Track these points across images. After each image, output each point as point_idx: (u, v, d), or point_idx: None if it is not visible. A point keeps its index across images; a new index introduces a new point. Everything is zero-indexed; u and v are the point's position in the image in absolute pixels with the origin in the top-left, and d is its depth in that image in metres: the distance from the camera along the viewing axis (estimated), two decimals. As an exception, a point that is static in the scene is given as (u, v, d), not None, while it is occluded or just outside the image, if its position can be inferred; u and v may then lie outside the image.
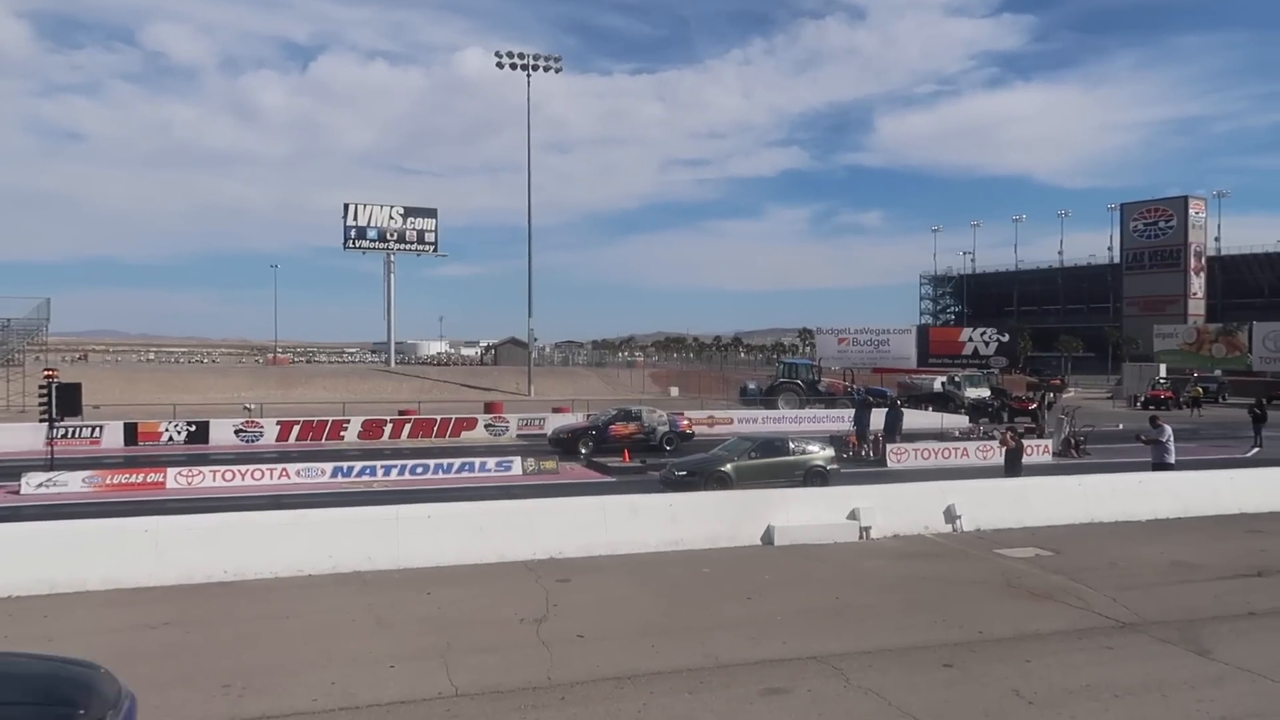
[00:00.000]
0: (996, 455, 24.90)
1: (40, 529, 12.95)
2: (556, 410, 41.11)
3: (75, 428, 30.96)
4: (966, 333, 62.93)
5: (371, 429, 34.73)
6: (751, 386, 54.25)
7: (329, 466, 24.07)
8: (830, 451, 23.51)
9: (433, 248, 78.17)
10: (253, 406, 39.54)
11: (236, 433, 33.45)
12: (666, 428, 31.54)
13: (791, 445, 23.03)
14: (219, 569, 12.32)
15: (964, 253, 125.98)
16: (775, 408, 46.21)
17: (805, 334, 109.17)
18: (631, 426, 30.92)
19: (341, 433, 34.14)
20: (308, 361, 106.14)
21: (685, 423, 33.48)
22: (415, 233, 76.97)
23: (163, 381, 55.09)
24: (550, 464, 26.11)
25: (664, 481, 21.59)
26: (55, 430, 25.33)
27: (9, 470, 23.86)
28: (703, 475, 21.37)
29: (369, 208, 75.63)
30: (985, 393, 48.45)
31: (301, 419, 34.95)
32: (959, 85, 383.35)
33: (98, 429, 32.34)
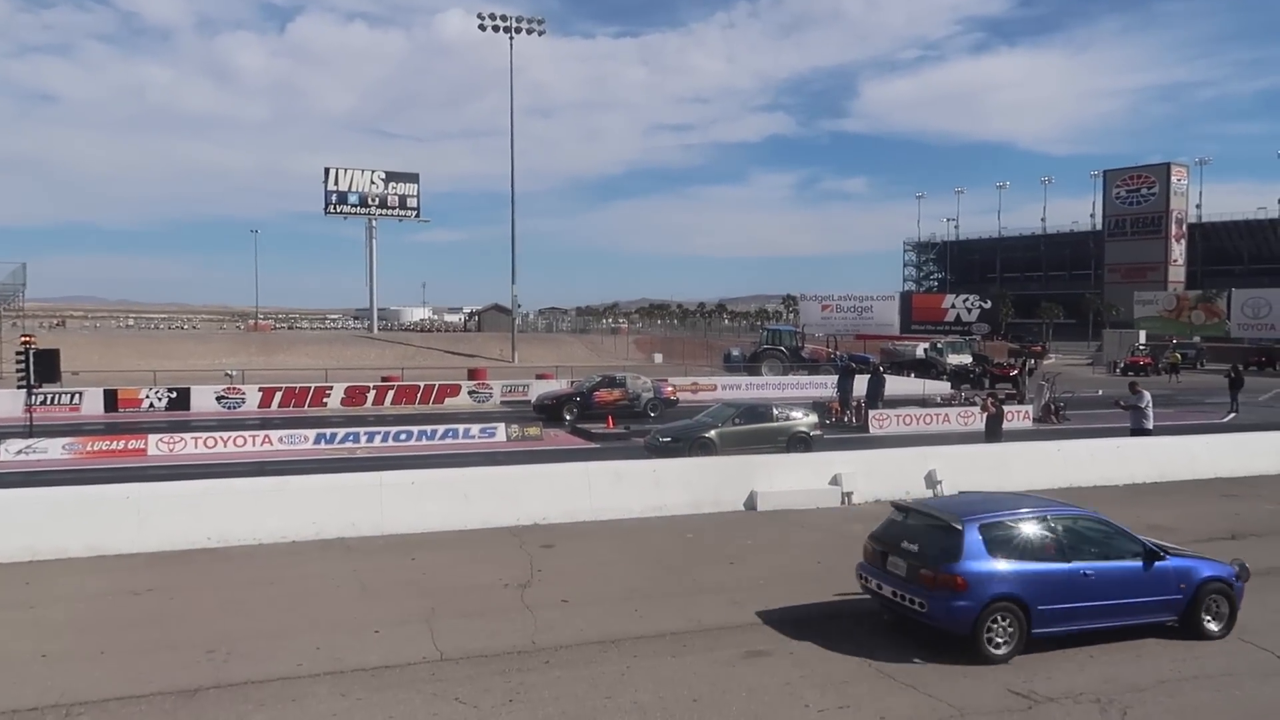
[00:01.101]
0: (978, 421, 25.09)
1: (20, 496, 12.88)
2: (540, 377, 41.02)
3: (54, 394, 30.68)
4: (949, 299, 63.15)
5: (354, 396, 34.60)
6: (735, 353, 54.30)
7: (312, 433, 23.99)
8: (813, 418, 23.50)
9: (415, 213, 77.48)
10: (234, 373, 39.22)
11: (218, 399, 33.23)
12: (651, 394, 31.58)
13: (775, 411, 23.07)
14: (202, 536, 12.31)
15: (947, 219, 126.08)
16: (759, 374, 46.26)
17: (789, 301, 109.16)
18: (616, 393, 30.92)
19: (324, 399, 33.98)
20: (289, 328, 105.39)
21: (670, 389, 33.48)
22: (397, 198, 76.23)
23: (143, 348, 54.60)
24: (534, 430, 26.11)
25: (648, 448, 21.66)
26: (34, 397, 25.11)
27: (-12, 437, 23.65)
28: (687, 441, 21.38)
29: (350, 172, 74.81)
30: (967, 359, 48.70)
31: (284, 386, 34.73)
32: (944, 51, 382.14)
33: (77, 395, 32.06)
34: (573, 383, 34.87)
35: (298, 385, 34.88)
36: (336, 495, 13.46)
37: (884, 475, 16.10)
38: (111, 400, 32.23)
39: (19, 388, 24.81)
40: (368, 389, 35.30)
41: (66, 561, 11.58)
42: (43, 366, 24.05)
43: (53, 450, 21.93)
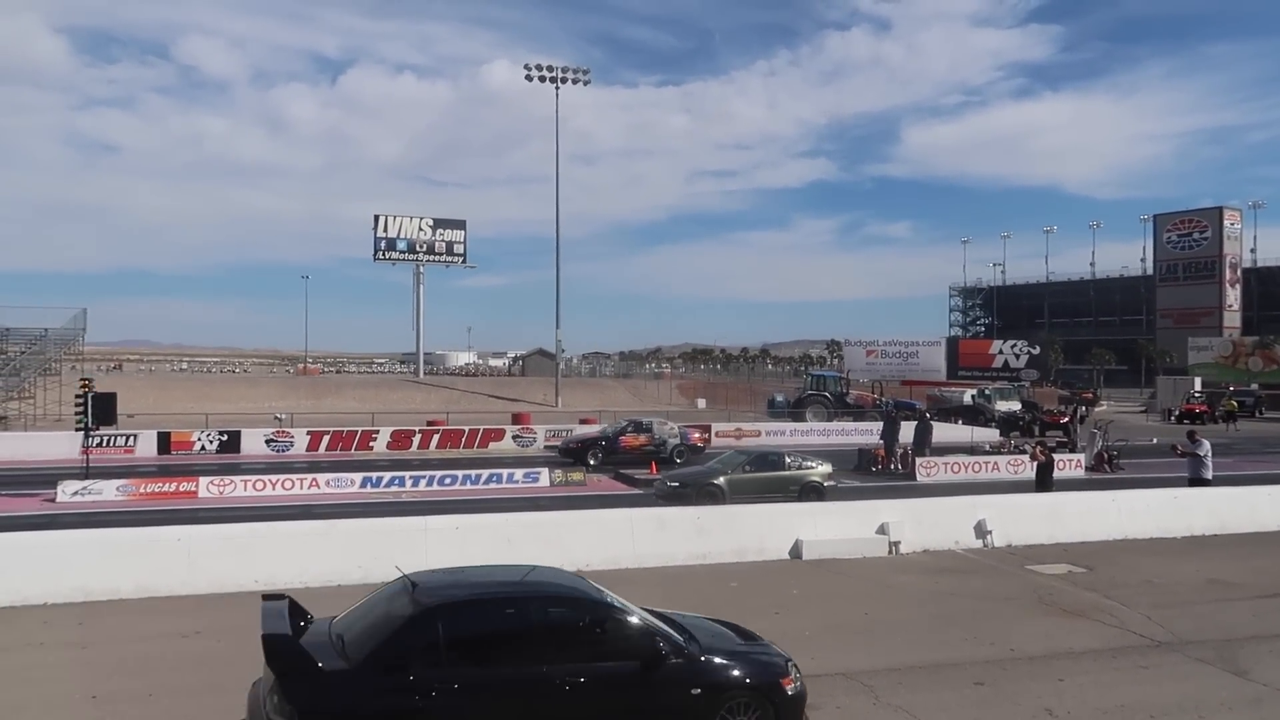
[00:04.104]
0: (1028, 470, 24.60)
1: (75, 537, 13.15)
2: (584, 422, 41.14)
3: (110, 436, 31.38)
4: (997, 345, 62.26)
5: (400, 439, 34.96)
6: (779, 399, 54.00)
7: (358, 477, 24.25)
8: (827, 468, 22.78)
9: (461, 259, 78.60)
10: (283, 416, 39.89)
11: (267, 442, 33.77)
12: (677, 440, 31.42)
13: (788, 459, 22.63)
14: (250, 578, 12.42)
15: (994, 264, 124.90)
16: (803, 420, 45.95)
17: (833, 346, 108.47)
18: (642, 438, 30.85)
19: (371, 443, 34.39)
20: (337, 372, 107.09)
21: (696, 435, 33.35)
22: (444, 244, 77.43)
23: (195, 391, 55.83)
24: (578, 476, 26.12)
25: (657, 494, 21.41)
26: (91, 439, 25.69)
27: (46, 478, 24.21)
28: (694, 488, 20.98)
29: (399, 219, 76.23)
30: (1016, 406, 47.94)
31: (331, 429, 35.24)
32: (986, 96, 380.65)
33: (132, 438, 32.79)
34: (601, 428, 34.96)
35: (345, 429, 35.35)
36: (382, 539, 13.55)
37: (932, 524, 15.83)
38: (165, 443, 32.90)
39: (77, 430, 25.41)
40: (413, 433, 35.66)
41: (118, 602, 11.75)
42: (100, 409, 24.64)
43: (107, 492, 22.38)
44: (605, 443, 30.66)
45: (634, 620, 7.27)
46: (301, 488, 23.60)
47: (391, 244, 75.80)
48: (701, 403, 63.18)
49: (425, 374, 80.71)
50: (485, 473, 25.45)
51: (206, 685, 8.81)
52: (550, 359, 74.11)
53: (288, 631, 6.90)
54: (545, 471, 25.73)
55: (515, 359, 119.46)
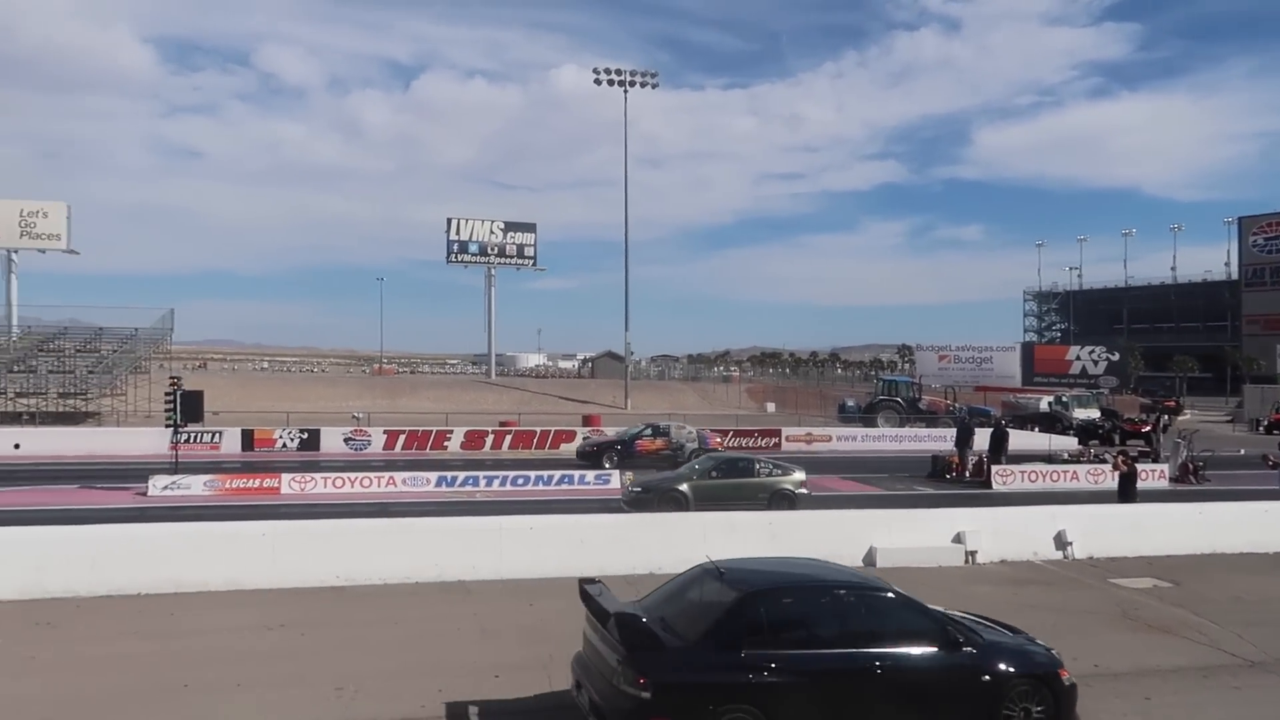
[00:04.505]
0: (1109, 480, 23.88)
1: (167, 531, 13.67)
2: (652, 424, 41.28)
3: (197, 433, 32.47)
4: (1074, 351, 60.81)
5: (473, 439, 35.49)
6: (850, 404, 53.37)
7: (433, 476, 24.67)
8: (800, 475, 21.72)
9: (532, 262, 79.38)
10: (361, 416, 40.76)
11: (346, 440, 34.60)
12: (695, 444, 30.94)
13: (759, 466, 22.14)
14: (331, 574, 12.78)
15: (1070, 268, 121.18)
16: (874, 425, 45.34)
17: (904, 351, 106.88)
18: (659, 442, 30.71)
19: (445, 443, 34.99)
20: (411, 372, 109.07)
21: (716, 440, 33.02)
22: (515, 247, 78.30)
23: (276, 390, 57.38)
24: (647, 478, 26.21)
25: (625, 500, 21.00)
26: (179, 435, 26.62)
27: (137, 472, 25.20)
28: (657, 494, 20.62)
29: (470, 222, 77.31)
30: (1095, 414, 46.55)
31: (407, 429, 35.95)
32: (1060, 96, 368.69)
33: (217, 434, 33.91)
34: (618, 432, 34.92)
35: (420, 428, 36.02)
36: (457, 538, 13.81)
37: (1010, 534, 15.51)
38: (248, 440, 33.96)
39: (166, 426, 26.35)
40: (486, 433, 36.17)
41: (207, 594, 12.18)
42: (188, 406, 25.51)
43: (195, 487, 23.19)
44: (621, 446, 30.69)
45: (928, 609, 7.86)
46: (379, 486, 24.12)
47: (464, 247, 76.90)
48: (771, 407, 62.76)
49: (496, 375, 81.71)
50: (557, 474, 25.68)
51: (292, 677, 9.10)
52: (619, 361, 74.40)
53: (632, 611, 7.45)
54: (616, 474, 25.83)
55: (584, 361, 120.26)
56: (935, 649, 7.44)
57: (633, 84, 60.87)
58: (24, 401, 46.07)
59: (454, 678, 9.09)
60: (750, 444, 38.39)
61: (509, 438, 36.03)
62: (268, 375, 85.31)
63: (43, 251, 59.31)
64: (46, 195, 61.28)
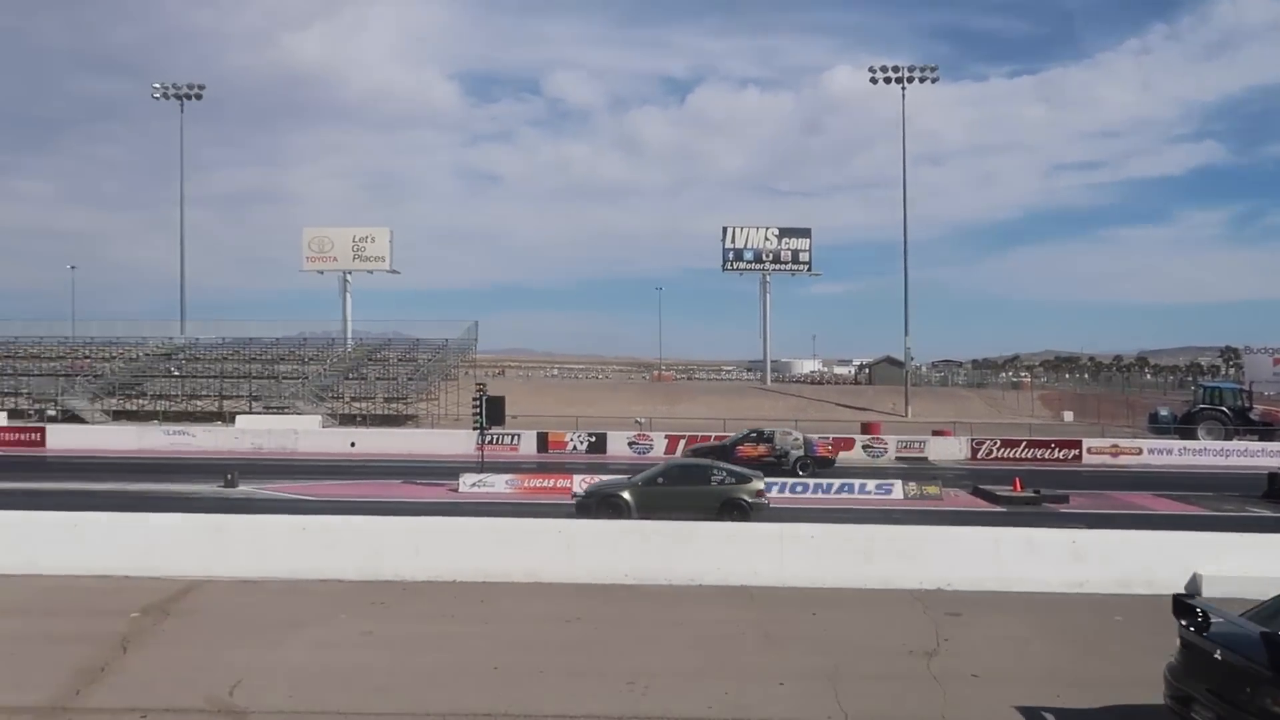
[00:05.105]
0: None
1: (478, 524, 14.92)
2: (937, 433, 39.52)
3: (499, 435, 35.32)
4: None
5: (751, 445, 35.75)
6: (1164, 413, 48.06)
7: (713, 481, 25.11)
8: (758, 485, 20.47)
9: (807, 267, 78.72)
10: (643, 420, 42.40)
11: (630, 444, 36.17)
12: (801, 451, 29.63)
13: (712, 474, 20.82)
14: (621, 572, 13.35)
15: None
16: (1194, 438, 40.58)
17: (1229, 353, 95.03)
18: (761, 448, 29.71)
19: (722, 448, 35.53)
20: (689, 378, 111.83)
21: (824, 447, 31.06)
22: (790, 253, 78.04)
23: (565, 396, 61.02)
24: (933, 489, 25.15)
25: (575, 505, 20.54)
26: (484, 437, 29.06)
27: (448, 470, 27.82)
28: (597, 499, 20.00)
29: (745, 230, 78.04)
30: None
31: (686, 433, 36.91)
32: None
33: (516, 437, 36.69)
34: (719, 437, 33.44)
35: (699, 433, 36.83)
36: (739, 543, 13.95)
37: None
38: (543, 442, 36.45)
39: (474, 429, 28.88)
40: (763, 440, 36.27)
41: (510, 585, 13.13)
42: (492, 411, 27.81)
43: (498, 484, 25.19)
44: (720, 452, 29.46)
45: None
46: (661, 489, 24.90)
47: (739, 254, 77.76)
48: (1068, 415, 58.06)
49: (771, 381, 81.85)
50: (836, 482, 25.35)
51: (588, 669, 9.60)
52: (898, 367, 72.00)
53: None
54: (899, 483, 25.06)
55: (861, 367, 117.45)
56: None
57: (910, 80, 58.94)
58: (357, 405, 52.27)
59: (739, 681, 9.18)
60: (1045, 455, 35.84)
61: (786, 444, 35.85)
62: (558, 382, 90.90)
63: (370, 272, 67.00)
64: (372, 222, 69.04)
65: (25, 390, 54.88)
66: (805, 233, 79.15)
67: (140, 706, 8.19)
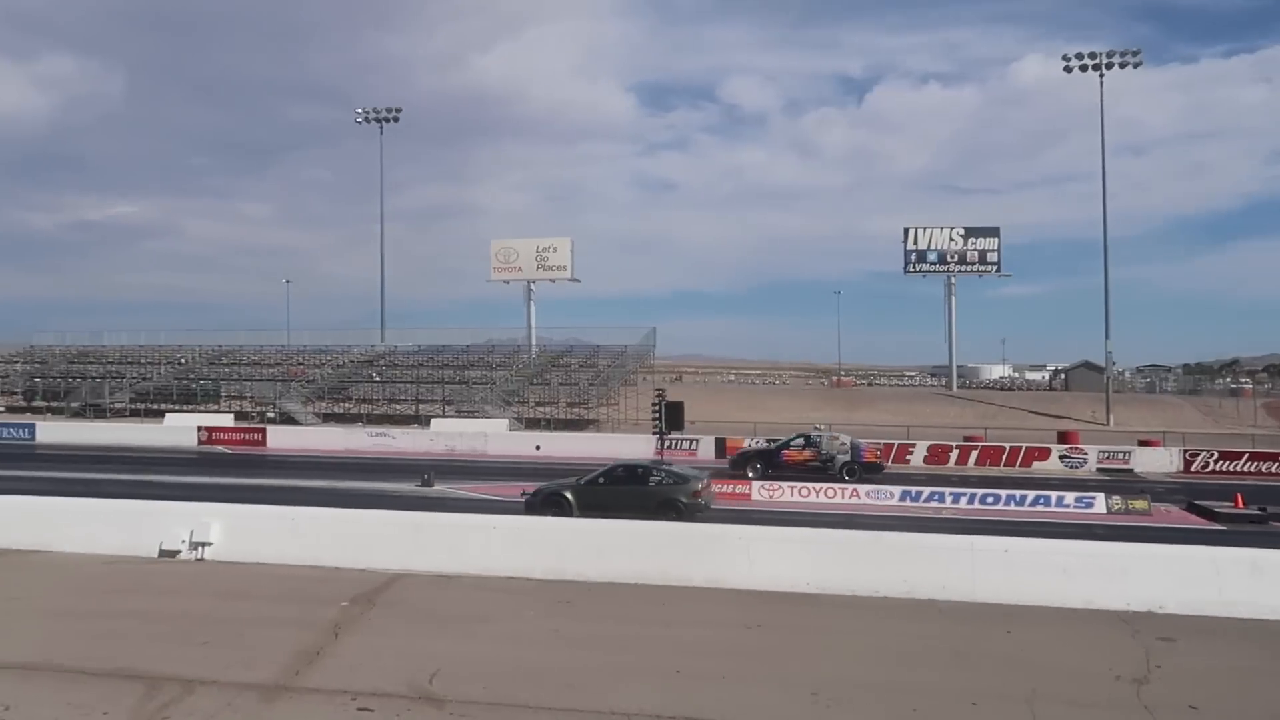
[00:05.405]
0: None
1: (659, 528, 15.15)
2: (1144, 443, 36.74)
3: (677, 440, 35.67)
4: None
5: (937, 454, 34.54)
6: None
7: (897, 490, 24.47)
8: (695, 485, 20.72)
9: (995, 268, 75.25)
10: (822, 426, 41.73)
11: (807, 450, 35.61)
12: (847, 456, 29.04)
13: (651, 475, 21.34)
14: (802, 580, 13.18)
15: None
16: None
17: None
18: (807, 453, 29.51)
19: (907, 456, 34.50)
20: (869, 384, 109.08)
21: (871, 452, 30.09)
22: (976, 253, 74.89)
23: (742, 401, 60.87)
24: (1141, 504, 23.42)
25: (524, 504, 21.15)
26: (663, 441, 29.44)
27: (629, 474, 28.32)
28: (542, 498, 20.68)
29: (929, 231, 75.49)
30: None
31: (866, 440, 36.00)
32: None
33: (694, 441, 36.92)
34: (768, 440, 32.64)
35: (881, 442, 35.85)
36: (926, 555, 13.47)
37: None
38: (721, 448, 36.50)
39: (653, 433, 29.32)
40: (950, 448, 34.99)
41: (691, 589, 13.21)
42: (671, 416, 28.17)
43: (677, 489, 25.39)
44: (765, 455, 29.82)
45: None
46: (842, 497, 24.48)
47: (922, 256, 75.32)
48: (1299, 426, 52.65)
49: (958, 387, 78.64)
50: (1030, 494, 24.06)
51: (769, 677, 9.52)
52: (1097, 372, 67.54)
53: None
54: (1101, 497, 23.51)
55: (1056, 372, 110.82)
56: None
57: (1109, 66, 55.33)
58: (541, 409, 54.13)
59: (928, 698, 8.86)
60: (1273, 470, 32.63)
61: (975, 453, 34.52)
62: (734, 387, 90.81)
63: (553, 281, 69.35)
64: (553, 232, 71.57)
65: (249, 394, 60.29)
66: (993, 232, 75.74)
67: (351, 689, 8.79)
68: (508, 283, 69.98)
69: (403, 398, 57.77)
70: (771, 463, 30.06)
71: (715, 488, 25.63)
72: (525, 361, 63.81)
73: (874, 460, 30.27)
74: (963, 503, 23.76)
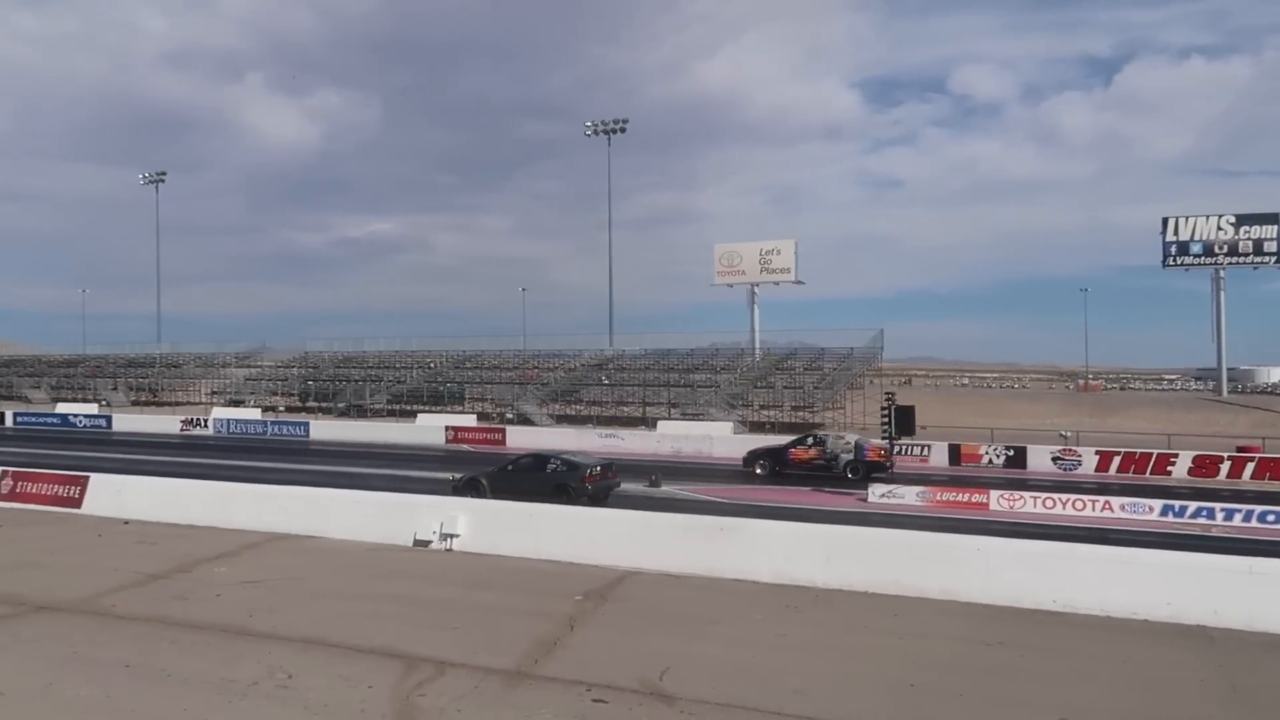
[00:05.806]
0: None
1: (888, 535, 14.65)
2: None
3: (908, 445, 34.43)
4: None
5: (1204, 466, 31.31)
6: None
7: (1157, 504, 22.39)
8: (584, 472, 23.15)
9: (1274, 258, 67.28)
10: (1068, 434, 38.92)
11: (1053, 460, 33.35)
12: (851, 455, 28.82)
13: (549, 464, 23.87)
14: (1047, 597, 12.33)
15: None
16: None
17: None
18: (812, 451, 30.24)
19: (1168, 467, 31.52)
20: (1121, 389, 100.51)
21: (875, 451, 29.03)
22: (1250, 242, 67.27)
23: (978, 406, 57.84)
24: None
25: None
26: (893, 447, 28.57)
27: (858, 480, 27.66)
28: (464, 482, 23.78)
29: (1192, 220, 68.66)
30: None
31: (1122, 450, 33.22)
32: None
33: (926, 448, 35.48)
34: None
35: (1138, 450, 33.02)
36: (1194, 576, 12.22)
37: None
38: (955, 454, 34.89)
39: (882, 438, 28.52)
40: (1221, 459, 31.64)
41: (924, 600, 12.69)
42: (901, 420, 27.29)
43: (908, 496, 24.57)
44: (772, 455, 30.60)
45: None
46: (1093, 510, 22.74)
47: (1183, 248, 68.68)
48: None
49: (1228, 392, 70.90)
50: (1320, 512, 21.28)
51: (1011, 698, 8.97)
52: None
53: None
54: None
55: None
56: None
57: None
58: (765, 413, 53.96)
59: (1198, 735, 8.05)
60: None
61: (1251, 466, 30.95)
62: (969, 391, 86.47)
63: (776, 284, 68.97)
64: (776, 235, 71.04)
65: (490, 396, 64.18)
66: (1271, 218, 67.91)
67: (585, 680, 9.12)
68: (731, 286, 70.26)
69: (630, 400, 59.38)
70: (778, 460, 31.07)
71: (940, 495, 24.61)
72: (749, 365, 63.79)
73: (877, 459, 29.74)
74: (1236, 520, 21.33)
